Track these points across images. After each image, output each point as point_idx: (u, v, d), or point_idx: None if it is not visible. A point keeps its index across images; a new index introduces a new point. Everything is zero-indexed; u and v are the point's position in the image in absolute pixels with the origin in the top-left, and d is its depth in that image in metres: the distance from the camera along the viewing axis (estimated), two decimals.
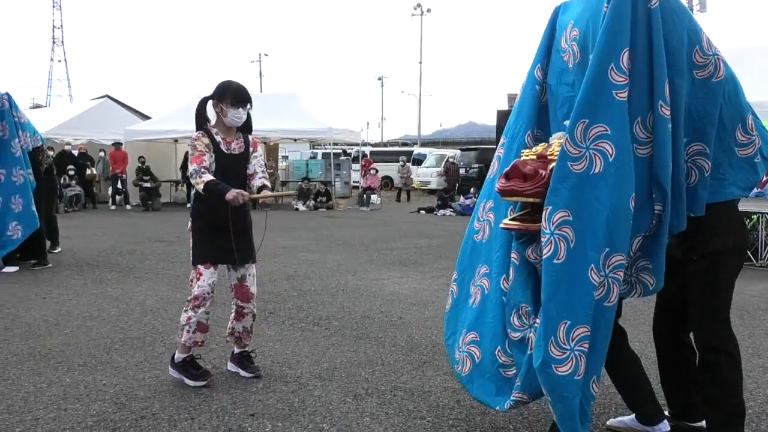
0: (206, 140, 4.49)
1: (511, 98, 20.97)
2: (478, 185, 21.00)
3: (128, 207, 21.19)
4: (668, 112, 3.13)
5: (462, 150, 28.82)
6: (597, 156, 3.08)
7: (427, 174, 31.40)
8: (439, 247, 12.04)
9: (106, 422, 3.96)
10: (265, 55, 70.26)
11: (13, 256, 9.31)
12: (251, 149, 4.71)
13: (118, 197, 21.58)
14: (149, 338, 5.72)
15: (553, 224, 3.10)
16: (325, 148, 28.02)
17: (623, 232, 3.11)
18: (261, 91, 40.77)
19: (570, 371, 3.06)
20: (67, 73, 76.23)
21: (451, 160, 26.83)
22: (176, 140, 22.34)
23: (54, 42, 70.38)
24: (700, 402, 3.60)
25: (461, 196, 20.42)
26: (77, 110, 26.03)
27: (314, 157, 30.60)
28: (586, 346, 3.09)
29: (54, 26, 70.22)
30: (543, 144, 3.49)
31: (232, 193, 4.26)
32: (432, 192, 28.16)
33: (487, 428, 3.88)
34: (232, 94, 4.53)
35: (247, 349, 4.86)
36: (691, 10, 40.94)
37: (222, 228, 4.48)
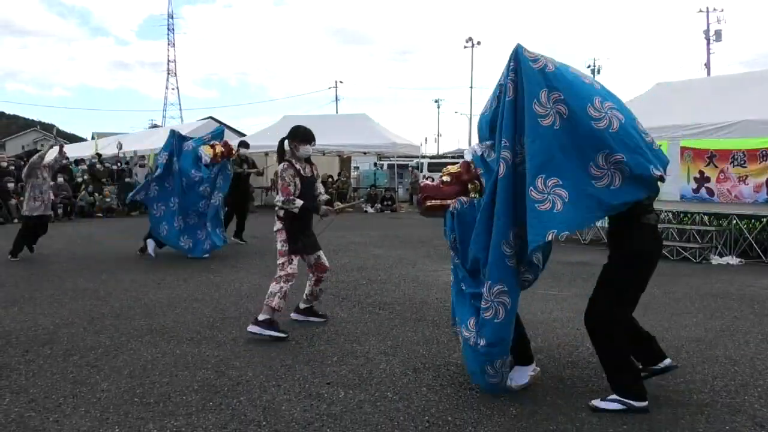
0: (291, 171, 5.24)
1: None
2: None
3: (226, 208, 21.54)
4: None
5: None
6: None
7: None
8: None
9: (209, 386, 4.04)
10: (341, 82, 70.74)
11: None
12: (316, 173, 5.57)
13: None
14: (244, 318, 5.81)
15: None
16: (390, 160, 28.02)
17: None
18: (336, 113, 41.06)
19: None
20: (179, 98, 78.91)
21: None
22: (266, 154, 22.58)
23: (169, 73, 72.17)
24: (657, 349, 3.96)
25: None
26: (186, 129, 26.42)
27: (381, 167, 30.63)
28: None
29: (168, 60, 71.99)
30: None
31: (323, 210, 5.41)
32: None
33: (528, 400, 3.82)
34: (301, 135, 5.34)
35: (314, 304, 5.73)
36: (708, 41, 39.65)
37: (303, 230, 5.37)
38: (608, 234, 3.92)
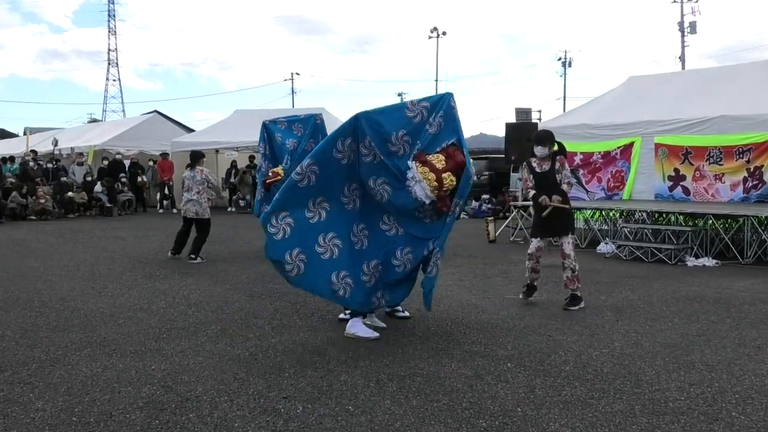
0: (527, 168, 6.75)
1: (519, 112, 20.78)
2: (488, 191, 20.83)
3: (174, 211, 21.18)
4: None
5: (474, 159, 28.72)
6: None
7: None
8: (454, 246, 11.95)
9: (154, 403, 3.98)
10: (297, 74, 69.97)
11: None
12: (557, 165, 6.57)
13: (165, 202, 21.62)
14: (193, 328, 5.75)
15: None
16: None
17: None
18: (293, 106, 40.90)
19: None
20: (121, 91, 76.73)
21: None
22: (217, 151, 22.39)
23: (109, 63, 70.86)
24: None
25: (473, 201, 20.22)
26: (129, 124, 26.31)
27: None
28: None
29: (109, 49, 70.71)
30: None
31: (541, 198, 6.51)
32: None
33: (497, 411, 3.86)
34: (533, 140, 6.72)
35: (570, 287, 6.56)
36: (682, 33, 40.43)
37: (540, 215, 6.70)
38: None
